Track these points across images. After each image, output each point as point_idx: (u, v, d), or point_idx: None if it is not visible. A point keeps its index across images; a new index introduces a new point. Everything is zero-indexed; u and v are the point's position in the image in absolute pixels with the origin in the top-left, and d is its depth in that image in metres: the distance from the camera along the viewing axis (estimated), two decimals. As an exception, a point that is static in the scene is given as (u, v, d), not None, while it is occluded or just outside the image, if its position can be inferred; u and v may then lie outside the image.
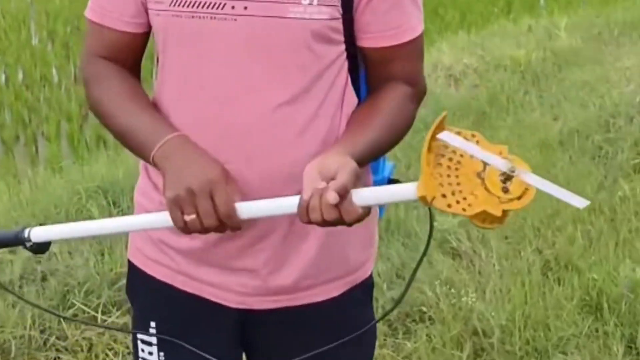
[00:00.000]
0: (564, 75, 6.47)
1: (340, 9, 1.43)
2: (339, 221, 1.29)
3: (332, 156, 1.35)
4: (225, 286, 1.56)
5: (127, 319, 3.05)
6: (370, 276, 1.67)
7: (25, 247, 1.51)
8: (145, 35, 1.53)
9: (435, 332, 3.07)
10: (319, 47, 1.44)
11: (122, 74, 1.53)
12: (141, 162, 1.60)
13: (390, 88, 1.51)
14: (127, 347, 2.96)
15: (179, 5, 1.42)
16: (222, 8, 1.41)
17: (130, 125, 1.47)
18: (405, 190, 1.28)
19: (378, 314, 3.09)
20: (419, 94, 1.56)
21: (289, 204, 1.33)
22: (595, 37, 7.66)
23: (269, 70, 1.43)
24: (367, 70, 1.54)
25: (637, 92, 5.77)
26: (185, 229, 1.37)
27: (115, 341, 3.03)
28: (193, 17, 1.42)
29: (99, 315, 3.14)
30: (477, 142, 1.27)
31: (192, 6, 1.42)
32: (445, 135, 1.25)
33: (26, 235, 1.50)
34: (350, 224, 1.30)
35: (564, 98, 5.78)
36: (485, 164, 1.23)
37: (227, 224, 1.36)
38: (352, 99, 1.52)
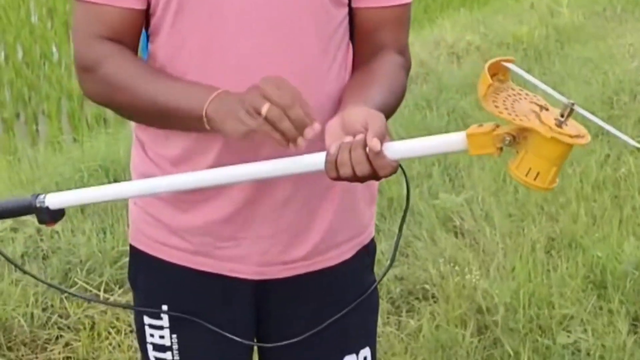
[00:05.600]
0: (567, 52, 6.43)
1: None
2: (371, 175, 1.26)
3: (352, 111, 1.32)
4: (246, 258, 1.53)
5: (130, 298, 3.03)
6: (373, 238, 1.68)
7: (38, 216, 1.39)
8: (146, 11, 1.45)
9: (439, 309, 3.06)
10: (333, 9, 1.44)
11: (129, 52, 1.45)
12: (136, 142, 1.55)
13: (383, 56, 1.51)
14: (130, 325, 2.95)
15: None
16: None
17: (167, 95, 1.39)
18: (442, 141, 1.26)
19: (382, 292, 3.10)
20: (407, 64, 1.56)
21: (314, 160, 1.30)
22: (598, 14, 7.60)
23: (288, 35, 1.41)
24: (356, 43, 1.54)
25: (641, 69, 5.73)
26: (259, 124, 1.29)
27: (117, 319, 3.02)
28: None
29: (101, 294, 3.13)
30: (526, 94, 1.29)
31: None
32: (512, 65, 1.25)
33: (42, 201, 1.38)
34: (382, 178, 1.28)
35: (567, 75, 5.74)
36: (541, 109, 1.24)
37: (301, 103, 1.29)
38: (350, 63, 1.52)
